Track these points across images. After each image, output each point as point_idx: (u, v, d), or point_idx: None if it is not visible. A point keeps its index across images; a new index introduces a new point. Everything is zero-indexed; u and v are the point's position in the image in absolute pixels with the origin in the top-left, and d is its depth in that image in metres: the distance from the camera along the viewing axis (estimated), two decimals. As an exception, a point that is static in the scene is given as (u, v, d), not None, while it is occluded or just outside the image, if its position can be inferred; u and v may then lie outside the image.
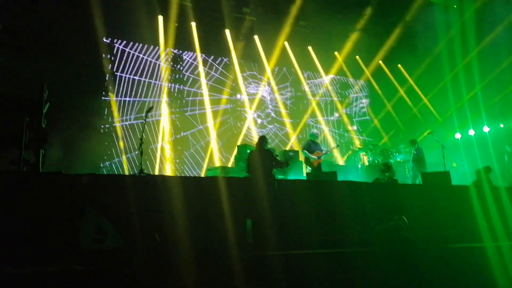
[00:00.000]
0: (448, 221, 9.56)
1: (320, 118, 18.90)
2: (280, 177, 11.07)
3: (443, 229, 9.31)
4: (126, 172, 13.73)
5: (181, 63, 16.36)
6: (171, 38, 15.69)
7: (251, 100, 17.55)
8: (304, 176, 12.33)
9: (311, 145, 12.12)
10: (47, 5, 12.29)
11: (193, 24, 16.28)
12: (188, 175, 14.70)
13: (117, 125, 14.37)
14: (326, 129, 18.94)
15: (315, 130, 15.32)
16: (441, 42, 17.25)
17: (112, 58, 14.79)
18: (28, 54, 11.43)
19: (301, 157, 12.70)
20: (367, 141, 18.91)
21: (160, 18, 15.73)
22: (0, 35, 9.89)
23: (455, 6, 18.07)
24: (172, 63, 16.07)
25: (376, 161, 14.83)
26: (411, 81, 19.63)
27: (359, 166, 15.57)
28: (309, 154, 11.95)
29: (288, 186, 9.10)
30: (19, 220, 6.34)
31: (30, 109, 7.46)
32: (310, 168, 11.94)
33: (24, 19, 11.65)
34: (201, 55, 16.54)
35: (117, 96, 14.63)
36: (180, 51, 16.35)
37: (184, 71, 16.32)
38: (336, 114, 19.72)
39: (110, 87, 14.50)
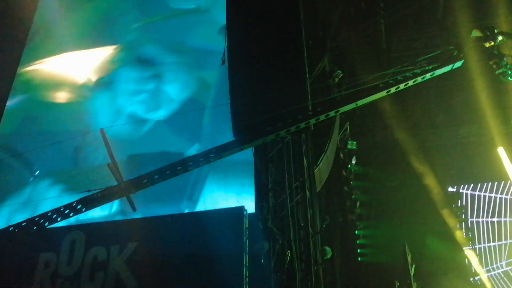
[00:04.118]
0: None
1: None
2: None
3: None
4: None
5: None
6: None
7: None
8: None
9: None
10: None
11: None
12: None
13: (485, 275, 13.06)
14: None
15: None
16: None
17: (464, 204, 14.19)
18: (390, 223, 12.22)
19: None
20: None
21: (501, 149, 14.50)
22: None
23: None
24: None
25: None
26: None
27: None
28: None
29: None
30: None
31: (398, 273, 7.75)
32: None
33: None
34: None
35: (479, 243, 13.61)
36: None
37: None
38: None
39: (470, 235, 13.69)
